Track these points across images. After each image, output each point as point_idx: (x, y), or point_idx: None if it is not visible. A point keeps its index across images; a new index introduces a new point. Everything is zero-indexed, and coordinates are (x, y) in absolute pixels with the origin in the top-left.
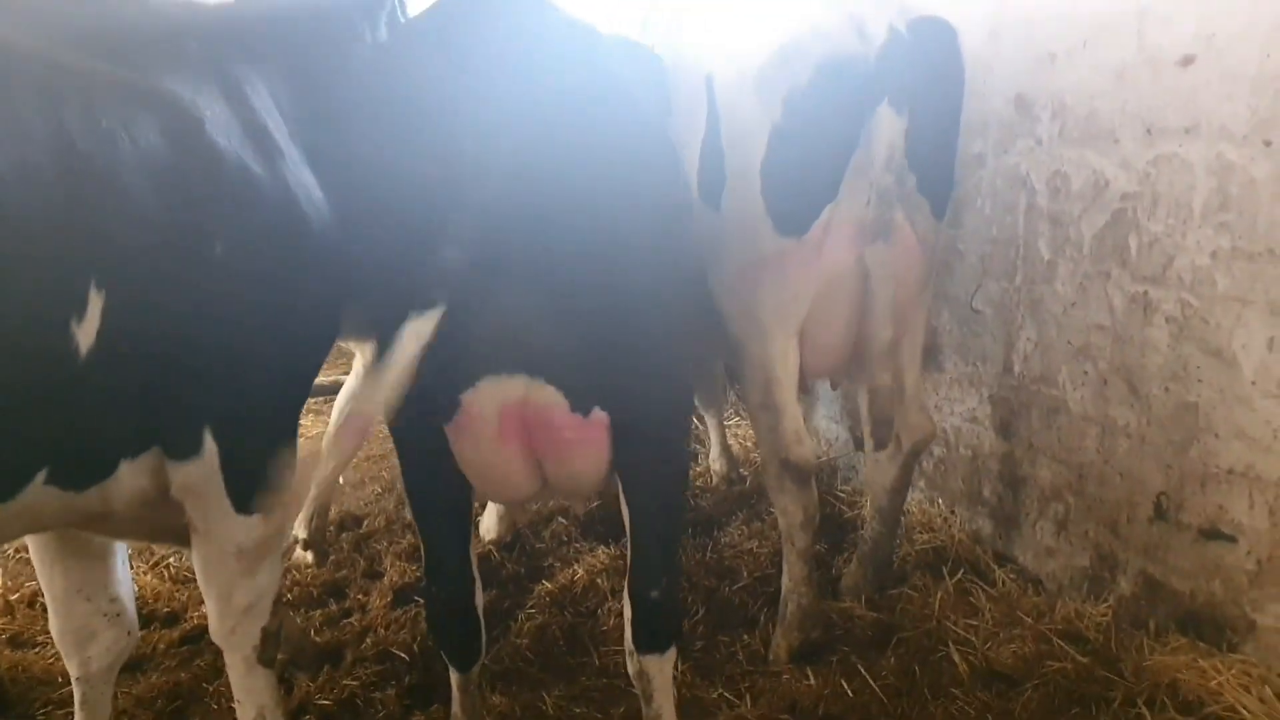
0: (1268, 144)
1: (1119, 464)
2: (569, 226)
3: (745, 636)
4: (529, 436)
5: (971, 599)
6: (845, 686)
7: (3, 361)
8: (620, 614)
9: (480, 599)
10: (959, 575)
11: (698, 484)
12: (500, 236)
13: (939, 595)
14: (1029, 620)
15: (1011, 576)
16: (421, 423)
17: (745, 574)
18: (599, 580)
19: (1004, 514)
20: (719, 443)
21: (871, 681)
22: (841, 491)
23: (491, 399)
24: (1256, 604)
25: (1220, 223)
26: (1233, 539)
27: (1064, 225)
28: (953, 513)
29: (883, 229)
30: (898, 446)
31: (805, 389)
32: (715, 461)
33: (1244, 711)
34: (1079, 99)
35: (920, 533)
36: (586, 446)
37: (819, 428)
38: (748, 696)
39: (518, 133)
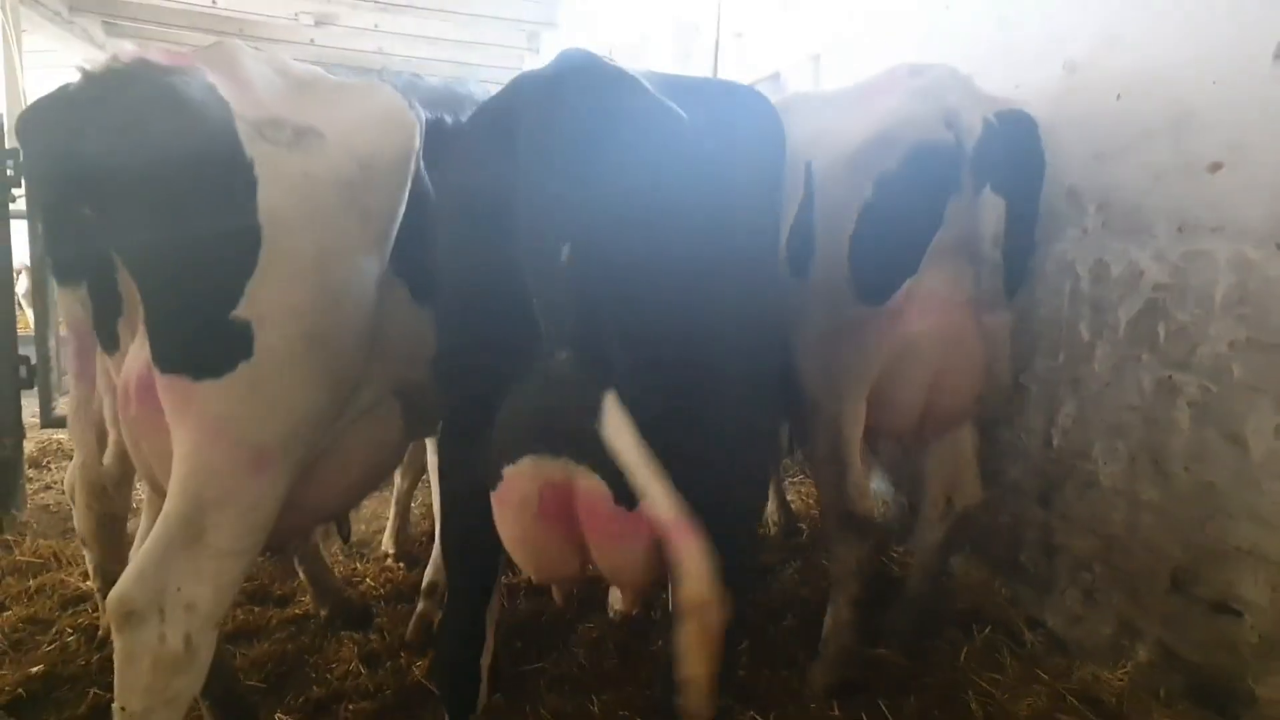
0: None
1: (1142, 537)
2: (642, 313)
3: (784, 672)
4: (572, 522)
5: (997, 655)
6: None
7: None
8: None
9: (487, 660)
10: (988, 633)
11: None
12: (566, 319)
13: (966, 650)
14: (1047, 679)
15: (1040, 639)
16: (469, 480)
17: (791, 617)
18: (653, 612)
19: (1039, 580)
20: (777, 497)
21: (890, 718)
22: (894, 552)
23: (532, 478)
24: (1258, 676)
25: (1239, 315)
26: (1239, 613)
27: (1103, 310)
28: (992, 577)
29: (996, 301)
30: (949, 508)
31: (875, 449)
32: (774, 514)
33: None
34: (1122, 195)
35: (961, 593)
36: (627, 542)
37: (874, 489)
38: (773, 715)
39: (581, 215)
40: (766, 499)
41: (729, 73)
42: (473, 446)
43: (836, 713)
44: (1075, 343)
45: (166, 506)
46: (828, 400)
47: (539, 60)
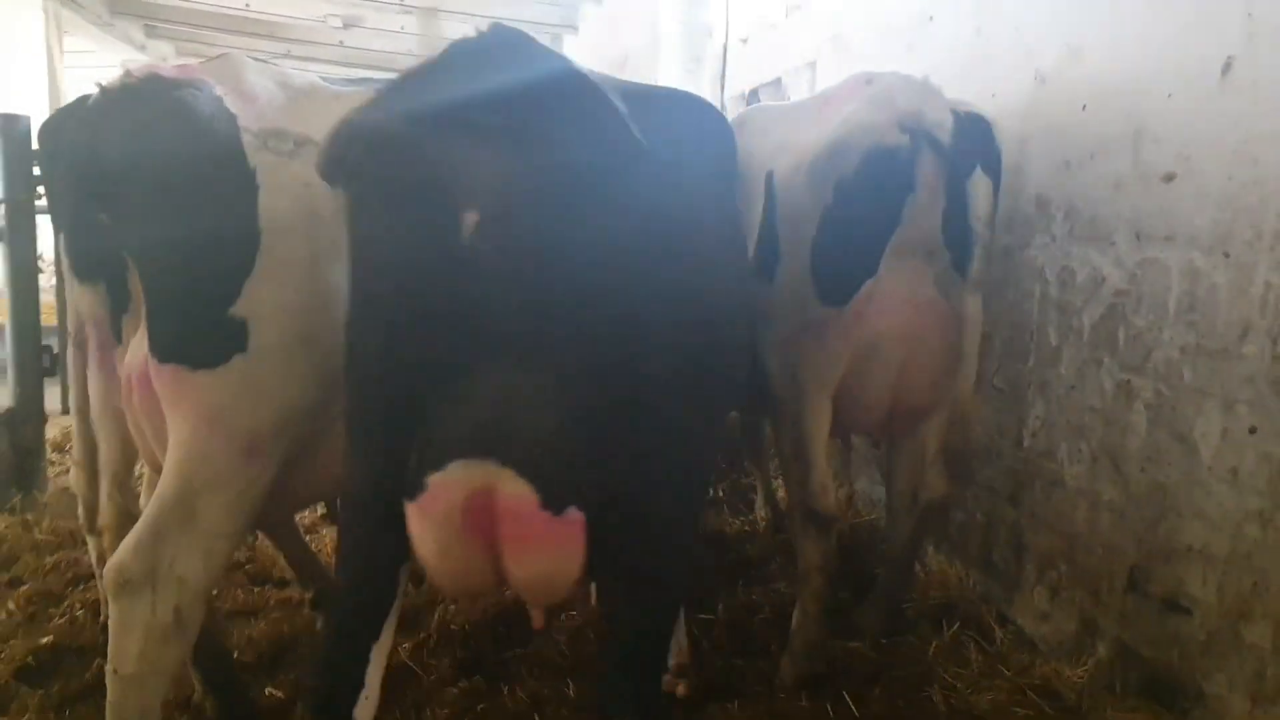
0: (1226, 255)
1: (1102, 537)
2: (568, 305)
3: (759, 662)
4: (492, 532)
5: (965, 651)
6: (830, 710)
7: None
8: None
9: (367, 713)
10: (957, 629)
11: (745, 529)
12: (490, 309)
13: (935, 645)
14: (1010, 674)
15: (1009, 636)
16: (369, 490)
17: (768, 609)
18: None
19: (1009, 578)
20: (764, 494)
21: (854, 709)
22: (880, 551)
23: (461, 486)
24: (1205, 672)
25: (1189, 321)
26: (1188, 611)
27: (1069, 314)
28: (967, 574)
29: (985, 280)
30: (914, 501)
31: (848, 444)
32: (760, 509)
33: None
34: (1086, 203)
35: (935, 590)
36: (551, 549)
37: (861, 490)
38: (736, 703)
39: (517, 198)
40: (705, 494)
41: (735, 77)
42: (375, 450)
43: (804, 703)
44: (1044, 346)
45: (161, 487)
46: (792, 399)
47: None
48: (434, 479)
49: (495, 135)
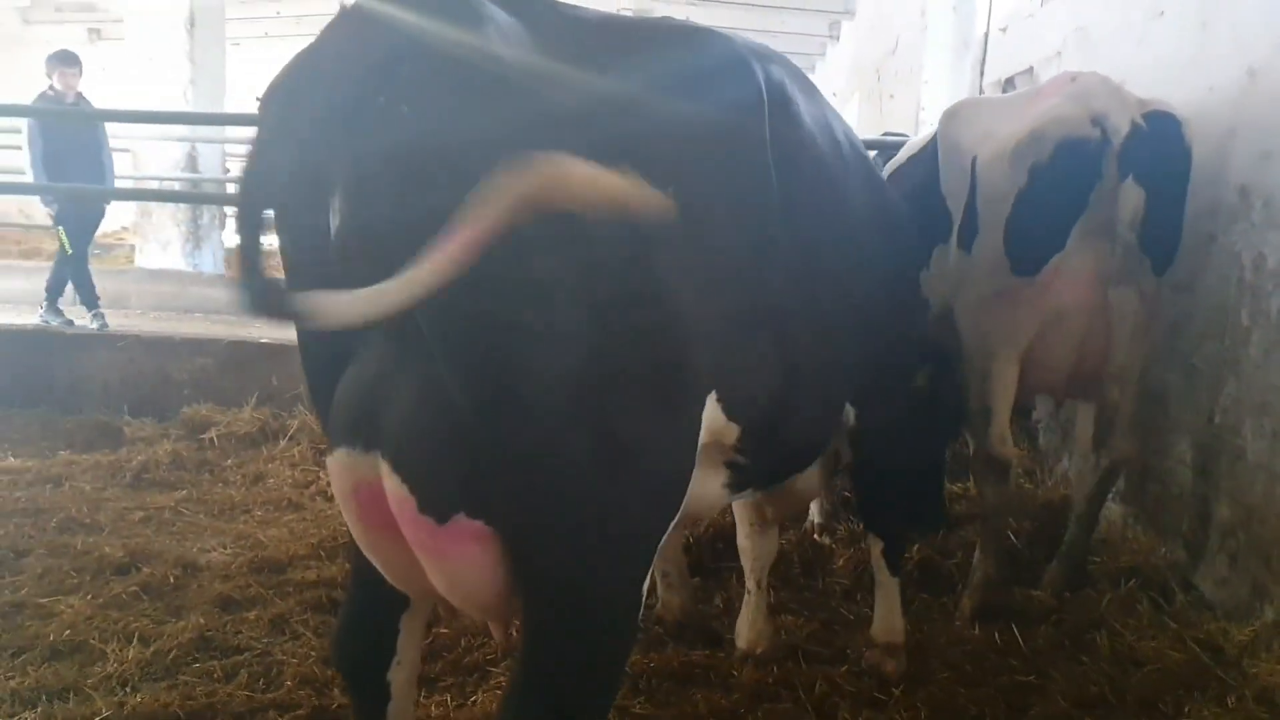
0: None
1: (1277, 507)
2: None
3: (943, 598)
4: (397, 527)
5: (1138, 606)
6: (997, 639)
7: None
8: None
9: (399, 674)
10: (1133, 586)
11: (957, 492)
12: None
13: (1110, 597)
14: (1175, 626)
15: (1190, 600)
16: None
17: (959, 556)
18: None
19: (1195, 546)
20: None
21: (1020, 639)
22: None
23: (346, 472)
24: None
25: None
26: None
27: (1260, 298)
28: (1159, 542)
29: (1128, 276)
30: (1099, 462)
31: (1031, 404)
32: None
33: None
34: None
35: (1126, 555)
36: (440, 559)
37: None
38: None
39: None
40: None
41: (994, 63)
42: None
43: (975, 632)
44: (1237, 327)
45: None
46: (981, 358)
47: (839, 47)
48: (328, 461)
49: (352, 116)
